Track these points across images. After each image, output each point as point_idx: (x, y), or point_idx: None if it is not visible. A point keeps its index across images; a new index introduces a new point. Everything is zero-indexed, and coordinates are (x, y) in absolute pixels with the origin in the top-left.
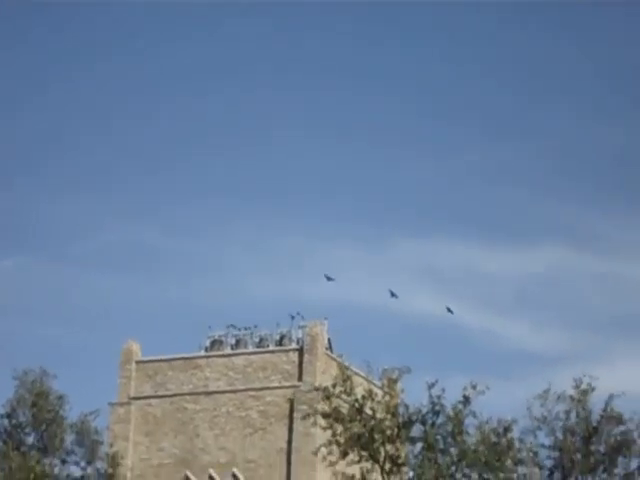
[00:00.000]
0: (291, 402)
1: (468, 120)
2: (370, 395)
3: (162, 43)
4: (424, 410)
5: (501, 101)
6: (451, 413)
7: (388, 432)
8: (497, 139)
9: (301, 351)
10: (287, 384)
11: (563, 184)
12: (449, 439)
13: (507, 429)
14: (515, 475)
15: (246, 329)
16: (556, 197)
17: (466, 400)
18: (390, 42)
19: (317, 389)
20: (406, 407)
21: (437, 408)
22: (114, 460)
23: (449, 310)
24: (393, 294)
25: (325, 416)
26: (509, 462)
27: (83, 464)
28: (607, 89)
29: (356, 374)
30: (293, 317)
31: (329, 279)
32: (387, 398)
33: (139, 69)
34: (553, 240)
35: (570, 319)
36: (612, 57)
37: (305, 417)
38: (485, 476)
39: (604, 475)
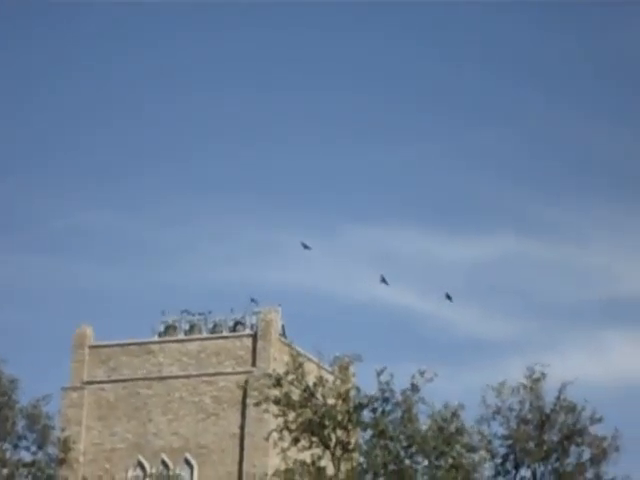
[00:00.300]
0: (244, 388)
1: (422, 106)
2: (321, 382)
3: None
4: (375, 395)
5: (456, 87)
6: (400, 400)
7: (339, 417)
8: (451, 126)
9: (255, 337)
10: (240, 370)
11: (515, 172)
12: (399, 425)
13: (454, 414)
14: (464, 461)
15: (200, 315)
16: (508, 185)
17: (414, 388)
18: (352, 24)
19: (269, 375)
20: (358, 390)
21: (386, 395)
22: (66, 445)
23: (448, 297)
24: (384, 280)
25: (276, 402)
26: (459, 447)
27: (34, 449)
28: (565, 76)
29: (309, 360)
30: (253, 299)
31: (306, 245)
32: (338, 383)
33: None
34: (505, 228)
35: (520, 307)
36: (569, 42)
37: (257, 404)
38: (435, 462)
39: (556, 464)
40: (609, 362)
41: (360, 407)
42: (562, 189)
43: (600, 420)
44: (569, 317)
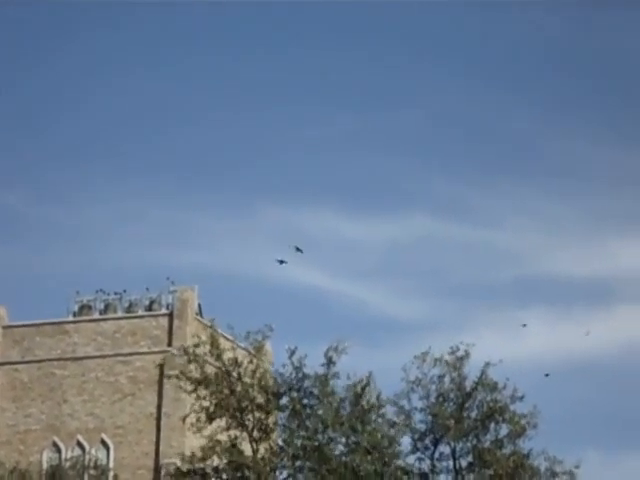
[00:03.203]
0: (161, 367)
1: (339, 86)
2: (236, 362)
3: None
4: (290, 376)
5: (370, 69)
6: (313, 376)
7: (258, 400)
8: (369, 107)
9: (171, 316)
10: (157, 349)
11: (430, 154)
12: (316, 404)
13: (364, 388)
14: (379, 436)
15: (115, 294)
16: (424, 166)
17: (330, 361)
18: None
19: (185, 350)
20: (280, 375)
21: (300, 375)
22: None
23: (298, 249)
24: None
25: (193, 381)
26: (374, 423)
27: None
28: (481, 57)
29: (225, 339)
30: (168, 278)
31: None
32: (255, 363)
33: None
34: (420, 209)
35: (435, 287)
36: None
37: (171, 377)
38: (352, 438)
39: (474, 441)
40: (524, 342)
41: (279, 394)
42: (477, 172)
43: (522, 398)
44: (484, 297)
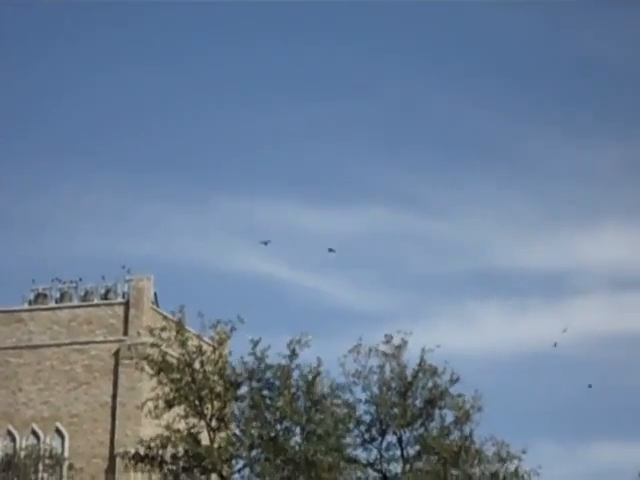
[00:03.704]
0: (116, 356)
1: (297, 77)
2: (200, 350)
3: None
4: (252, 366)
5: (333, 59)
6: (275, 367)
7: (217, 389)
8: (327, 97)
9: (127, 305)
10: (112, 338)
11: (388, 145)
12: (275, 395)
13: (315, 377)
14: (333, 422)
15: (71, 283)
16: (379, 158)
17: (293, 353)
18: None
19: (151, 331)
20: (243, 364)
21: (262, 366)
22: None
23: (264, 243)
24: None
25: (154, 365)
26: (327, 412)
27: None
28: (445, 50)
29: (187, 330)
30: (124, 267)
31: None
32: (216, 354)
33: None
34: (375, 201)
35: (390, 278)
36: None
37: (131, 358)
38: (308, 427)
39: (421, 429)
40: (476, 333)
41: (237, 384)
42: (433, 164)
43: (457, 380)
44: (437, 289)
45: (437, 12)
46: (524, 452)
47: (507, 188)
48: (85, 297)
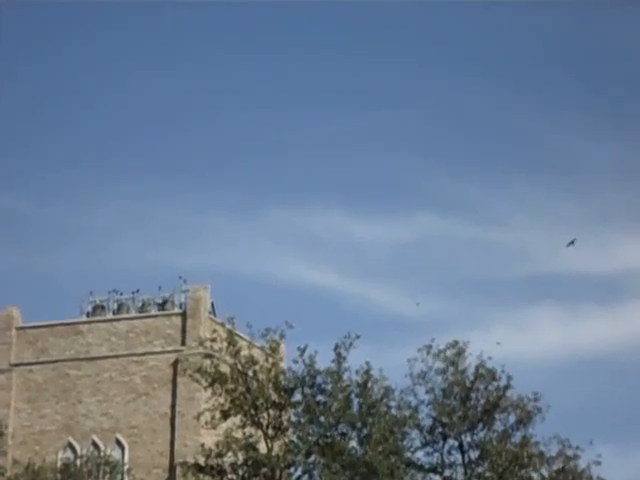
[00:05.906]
0: (174, 367)
1: (343, 86)
2: (252, 360)
3: None
4: (302, 373)
5: (377, 67)
6: (324, 371)
7: (272, 398)
8: (372, 105)
9: (184, 315)
10: (170, 349)
11: (436, 152)
12: (328, 399)
13: (367, 381)
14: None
15: (128, 294)
16: (429, 165)
17: (339, 356)
18: None
19: (202, 343)
20: (293, 372)
21: (312, 372)
22: None
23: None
24: (572, 242)
25: (208, 376)
26: (384, 420)
27: None
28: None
29: (240, 338)
30: (181, 277)
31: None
32: (270, 362)
33: None
34: (425, 208)
35: (442, 285)
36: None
37: (185, 369)
38: (364, 431)
39: (483, 432)
40: (531, 337)
41: (291, 390)
42: (481, 170)
43: (509, 386)
44: (491, 295)
45: (485, 19)
46: (591, 442)
47: (556, 191)
48: (142, 308)
